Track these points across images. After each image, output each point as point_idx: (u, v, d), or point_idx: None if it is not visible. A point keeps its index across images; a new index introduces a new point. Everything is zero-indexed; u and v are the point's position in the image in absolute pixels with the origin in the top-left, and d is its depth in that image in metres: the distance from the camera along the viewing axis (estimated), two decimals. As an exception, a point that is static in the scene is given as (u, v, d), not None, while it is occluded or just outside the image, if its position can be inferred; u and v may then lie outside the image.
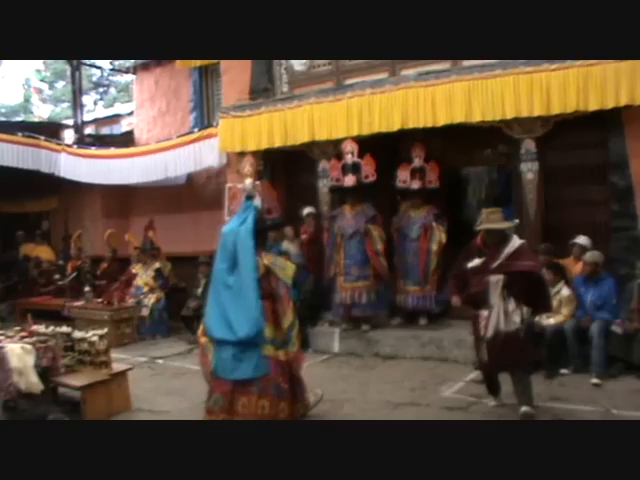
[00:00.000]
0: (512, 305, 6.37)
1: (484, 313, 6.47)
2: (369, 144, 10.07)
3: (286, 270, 6.58)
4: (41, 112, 23.08)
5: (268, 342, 6.34)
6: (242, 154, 11.61)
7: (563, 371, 8.04)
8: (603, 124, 8.89)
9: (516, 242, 6.51)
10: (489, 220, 6.63)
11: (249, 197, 7.21)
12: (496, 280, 6.38)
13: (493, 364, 6.58)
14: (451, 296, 7.10)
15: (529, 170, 9.26)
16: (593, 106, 8.50)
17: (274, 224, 7.12)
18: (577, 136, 9.14)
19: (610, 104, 8.40)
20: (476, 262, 6.63)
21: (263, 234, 6.79)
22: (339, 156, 10.30)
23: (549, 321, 8.18)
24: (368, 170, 9.88)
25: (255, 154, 11.30)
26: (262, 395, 6.27)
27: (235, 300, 6.25)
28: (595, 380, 7.59)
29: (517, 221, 9.45)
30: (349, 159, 10.06)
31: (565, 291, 8.34)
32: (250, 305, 6.17)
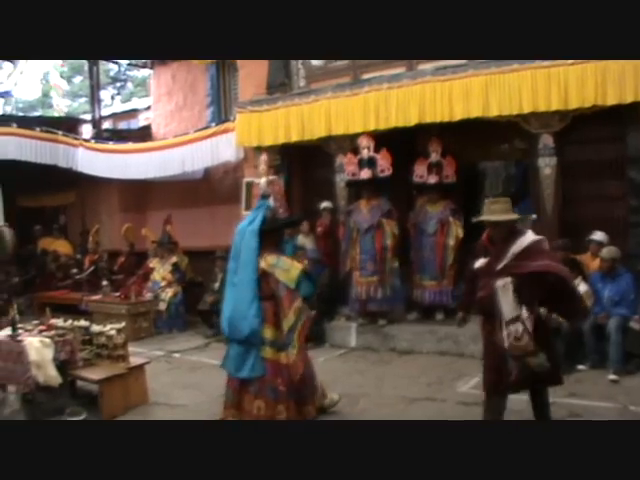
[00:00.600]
0: (525, 312, 5.25)
1: (503, 332, 5.30)
2: (385, 138, 10.06)
3: (289, 272, 6.46)
4: (61, 106, 23.20)
5: (267, 344, 6.39)
6: (259, 149, 11.65)
7: (580, 367, 8.00)
8: (621, 118, 8.82)
9: (527, 238, 5.44)
10: (490, 211, 5.65)
11: (264, 196, 7.23)
12: (503, 284, 5.32)
13: (526, 381, 5.57)
14: (460, 308, 6.44)
15: (546, 165, 9.21)
16: (611, 101, 8.43)
17: (286, 223, 7.15)
18: (595, 131, 9.08)
19: (629, 98, 8.32)
20: (481, 262, 5.73)
21: (276, 233, 6.79)
22: (355, 151, 10.29)
23: (565, 317, 8.16)
24: (384, 164, 9.87)
25: (271, 150, 11.31)
26: (258, 396, 6.38)
27: (235, 299, 6.42)
28: (612, 376, 7.55)
29: (534, 216, 9.46)
30: (365, 154, 10.06)
31: (582, 287, 8.27)
32: (244, 305, 6.30)
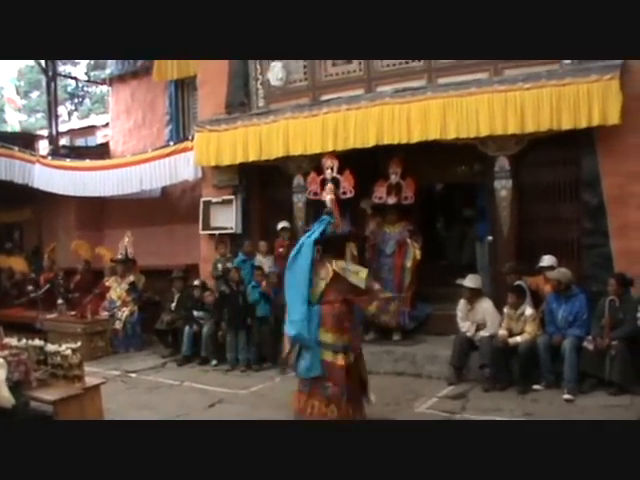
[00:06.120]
0: None
1: None
2: (349, 159, 10.12)
3: (359, 274, 6.87)
4: (14, 121, 22.93)
5: (326, 347, 6.61)
6: (217, 167, 11.68)
7: (536, 387, 8.08)
8: (576, 142, 8.94)
9: None
10: None
11: (328, 213, 7.45)
12: None
13: None
14: None
15: (503, 187, 9.30)
16: (566, 125, 8.55)
17: (340, 235, 7.51)
18: (550, 154, 9.20)
19: (583, 123, 8.46)
20: None
21: (340, 243, 7.45)
22: (319, 170, 10.33)
23: (516, 339, 8.26)
24: (346, 186, 9.90)
25: (229, 169, 11.34)
26: (311, 395, 6.63)
27: (288, 303, 6.82)
28: (567, 396, 7.63)
29: (491, 238, 9.57)
30: (328, 174, 10.10)
31: (528, 310, 8.40)
32: (294, 308, 6.66)
